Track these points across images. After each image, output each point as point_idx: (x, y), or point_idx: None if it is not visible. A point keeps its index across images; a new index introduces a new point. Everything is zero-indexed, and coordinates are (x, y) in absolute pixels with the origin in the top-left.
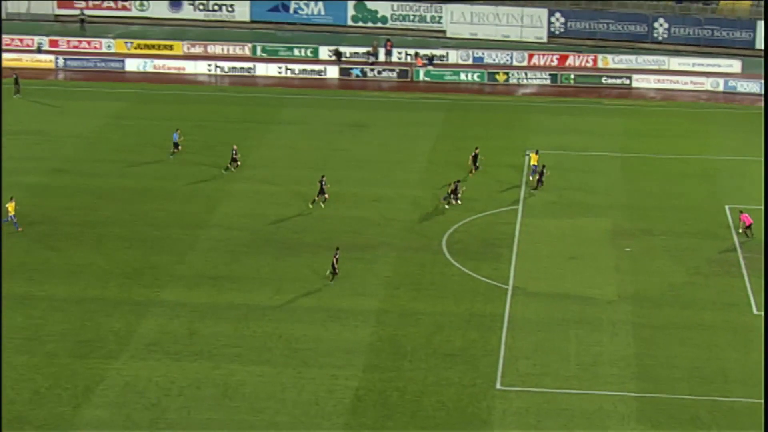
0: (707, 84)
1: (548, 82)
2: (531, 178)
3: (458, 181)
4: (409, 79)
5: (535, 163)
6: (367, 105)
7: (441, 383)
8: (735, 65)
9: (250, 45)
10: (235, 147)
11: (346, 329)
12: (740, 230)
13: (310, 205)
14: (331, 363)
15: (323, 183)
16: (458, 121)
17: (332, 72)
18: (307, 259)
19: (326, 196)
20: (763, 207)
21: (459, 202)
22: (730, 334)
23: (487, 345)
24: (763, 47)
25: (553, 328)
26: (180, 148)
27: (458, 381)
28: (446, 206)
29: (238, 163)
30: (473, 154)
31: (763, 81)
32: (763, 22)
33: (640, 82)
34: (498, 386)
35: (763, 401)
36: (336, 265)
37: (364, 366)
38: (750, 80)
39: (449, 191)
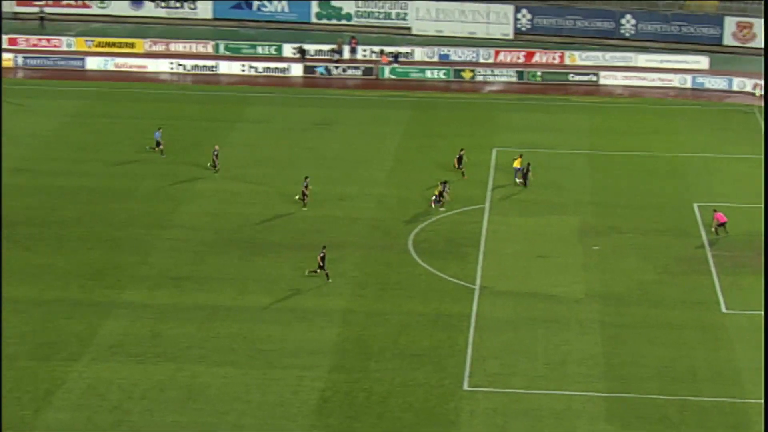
0: (675, 80)
1: (515, 79)
2: (517, 180)
3: (445, 182)
4: (374, 77)
5: (519, 166)
6: (331, 103)
7: (408, 384)
8: (703, 62)
9: (212, 43)
10: (216, 147)
11: (311, 330)
12: (713, 228)
13: (297, 198)
14: (297, 364)
15: (307, 185)
16: (424, 119)
17: (296, 70)
18: (271, 259)
19: (306, 199)
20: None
21: (443, 208)
22: (699, 333)
23: (454, 345)
24: (730, 44)
25: (521, 328)
26: (162, 146)
27: (425, 382)
28: (441, 209)
29: (217, 166)
30: (458, 155)
31: (763, 79)
32: (730, 18)
33: (607, 78)
34: (465, 387)
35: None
36: (323, 264)
37: (330, 367)
38: (718, 77)
39: (437, 193)
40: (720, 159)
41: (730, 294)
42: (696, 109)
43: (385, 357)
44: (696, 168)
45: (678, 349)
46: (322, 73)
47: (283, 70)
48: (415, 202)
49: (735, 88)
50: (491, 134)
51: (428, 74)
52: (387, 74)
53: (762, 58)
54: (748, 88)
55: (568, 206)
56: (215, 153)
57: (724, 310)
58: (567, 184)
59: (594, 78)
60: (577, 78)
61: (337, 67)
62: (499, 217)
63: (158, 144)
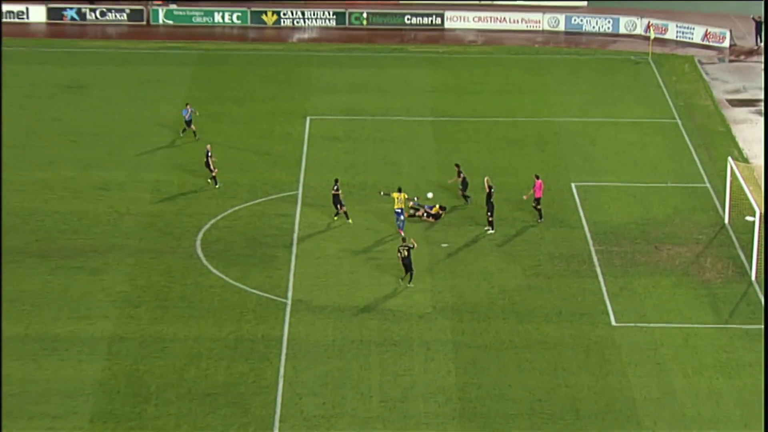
0: (544, 22)
1: (333, 23)
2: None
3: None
4: (144, 23)
5: (401, 207)
6: (86, 59)
7: None
8: None
9: None
10: (208, 147)
11: (65, 365)
12: (525, 196)
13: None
14: (47, 412)
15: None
16: (213, 78)
17: (37, 14)
18: (9, 272)
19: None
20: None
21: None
22: (582, 354)
23: (260, 379)
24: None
25: (348, 354)
26: (194, 127)
27: (222, 429)
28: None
29: (214, 172)
30: (461, 175)
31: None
32: None
33: (454, 21)
34: None
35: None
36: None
37: (93, 414)
38: (598, 16)
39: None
40: (604, 124)
41: (621, 301)
42: (572, 59)
43: (167, 398)
44: (573, 137)
45: (555, 376)
46: (73, 19)
47: (19, 14)
48: (204, 190)
49: (622, 30)
50: (303, 98)
51: (217, 18)
52: (161, 19)
53: None
54: (639, 30)
55: (406, 190)
56: (208, 155)
57: (613, 322)
58: (404, 160)
59: (438, 20)
60: (416, 21)
61: (93, 11)
62: (315, 208)
63: (189, 124)
